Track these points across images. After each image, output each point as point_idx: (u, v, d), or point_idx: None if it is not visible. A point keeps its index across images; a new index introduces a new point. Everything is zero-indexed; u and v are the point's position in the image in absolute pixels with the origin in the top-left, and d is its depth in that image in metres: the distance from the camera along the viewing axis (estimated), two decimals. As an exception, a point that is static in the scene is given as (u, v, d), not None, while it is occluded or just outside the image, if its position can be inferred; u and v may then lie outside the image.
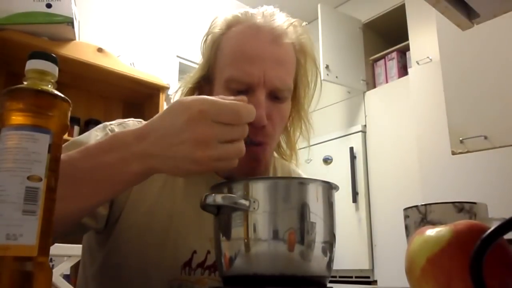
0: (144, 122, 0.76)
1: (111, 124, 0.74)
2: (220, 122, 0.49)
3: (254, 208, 0.50)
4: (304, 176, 0.91)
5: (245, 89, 0.67)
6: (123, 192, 0.57)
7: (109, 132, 0.71)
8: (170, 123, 0.50)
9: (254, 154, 0.68)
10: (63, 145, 0.51)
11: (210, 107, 0.49)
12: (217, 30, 0.74)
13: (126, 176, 0.51)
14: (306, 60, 0.76)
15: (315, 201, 0.52)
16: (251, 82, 0.67)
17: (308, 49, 0.75)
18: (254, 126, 0.65)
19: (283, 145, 0.84)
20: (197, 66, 0.78)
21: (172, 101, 0.79)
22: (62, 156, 0.40)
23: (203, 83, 0.75)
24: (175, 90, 0.80)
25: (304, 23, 0.76)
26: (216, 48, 0.72)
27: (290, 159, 0.84)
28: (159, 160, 0.50)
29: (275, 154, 0.85)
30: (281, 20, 0.72)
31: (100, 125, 0.74)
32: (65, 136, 0.45)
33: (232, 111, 0.50)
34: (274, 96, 0.69)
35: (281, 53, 0.70)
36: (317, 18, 3.01)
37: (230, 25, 0.72)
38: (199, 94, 0.76)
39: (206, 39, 0.76)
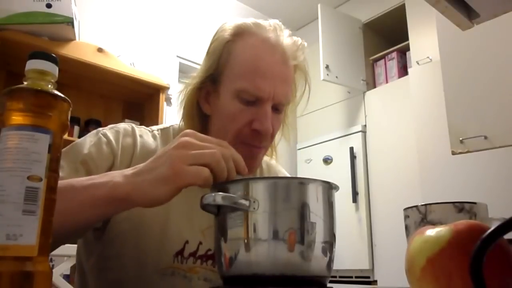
0: (134, 126, 0.81)
1: (103, 129, 0.78)
2: (203, 141, 0.55)
3: (254, 208, 0.50)
4: (289, 176, 1.01)
5: (253, 101, 0.74)
6: (107, 214, 0.61)
7: (102, 136, 0.75)
8: (160, 151, 0.56)
9: (253, 153, 0.77)
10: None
11: (198, 135, 0.56)
12: (227, 35, 0.77)
13: (113, 194, 0.53)
14: (296, 72, 0.83)
15: (315, 201, 0.52)
16: (262, 96, 0.74)
17: (302, 66, 0.83)
18: (262, 134, 0.75)
19: None
20: (200, 66, 0.81)
21: (178, 100, 0.83)
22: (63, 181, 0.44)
23: (208, 83, 0.78)
24: (180, 89, 0.83)
25: (305, 43, 0.82)
26: (227, 53, 0.76)
27: (271, 155, 0.92)
28: (143, 175, 0.53)
29: None
30: (289, 40, 0.78)
31: (93, 131, 0.78)
32: (65, 136, 0.45)
33: (217, 139, 0.56)
34: (275, 108, 0.77)
35: (288, 73, 0.77)
36: (317, 18, 3.01)
37: (242, 33, 0.77)
38: (202, 92, 0.80)
39: (215, 42, 0.79)
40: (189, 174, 0.51)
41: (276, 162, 0.95)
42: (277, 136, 0.88)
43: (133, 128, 0.80)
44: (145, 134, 0.80)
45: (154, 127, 0.85)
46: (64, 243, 0.65)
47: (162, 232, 0.72)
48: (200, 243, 0.74)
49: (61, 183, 0.41)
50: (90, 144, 0.73)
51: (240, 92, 0.74)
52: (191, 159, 0.52)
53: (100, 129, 0.78)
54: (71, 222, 0.53)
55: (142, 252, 0.71)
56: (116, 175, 0.55)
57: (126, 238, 0.71)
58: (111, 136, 0.75)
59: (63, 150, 0.69)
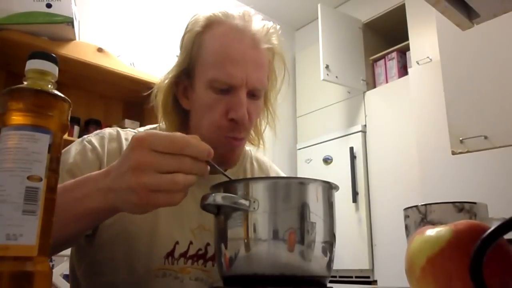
0: (119, 129, 0.81)
1: (88, 136, 0.78)
2: (156, 150, 0.48)
3: (254, 208, 0.50)
4: (281, 172, 0.99)
5: (227, 89, 0.73)
6: (92, 226, 0.62)
7: (86, 144, 0.75)
8: (122, 156, 0.51)
9: (233, 145, 0.75)
10: None
11: (148, 135, 0.49)
12: (198, 27, 0.77)
13: (89, 211, 0.53)
14: (274, 58, 0.81)
15: (315, 201, 0.52)
16: (234, 84, 0.72)
17: (278, 49, 0.81)
18: (239, 123, 0.72)
19: (252, 132, 0.88)
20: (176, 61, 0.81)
21: (153, 97, 0.83)
22: None
23: (183, 77, 0.78)
24: (155, 86, 0.83)
25: (277, 26, 0.81)
26: (198, 45, 0.76)
27: (258, 144, 0.90)
28: (117, 194, 0.50)
29: (250, 149, 0.92)
30: (259, 24, 0.77)
31: (79, 139, 0.77)
32: (65, 136, 0.45)
33: (168, 139, 0.49)
34: (252, 94, 0.75)
35: (260, 57, 0.76)
36: (317, 18, 3.01)
37: (211, 24, 0.76)
38: (179, 88, 0.80)
39: (187, 35, 0.79)
40: (160, 201, 0.49)
41: (263, 150, 0.93)
42: (263, 124, 0.87)
43: (118, 132, 0.80)
44: (131, 137, 0.80)
45: (141, 128, 0.85)
46: (57, 253, 0.65)
47: (151, 234, 0.72)
48: (191, 243, 0.74)
49: None
50: (75, 152, 0.73)
51: (212, 82, 0.72)
52: (154, 186, 0.48)
53: (85, 136, 0.78)
54: (56, 237, 0.52)
55: (132, 255, 0.71)
56: (91, 188, 0.52)
57: (116, 241, 0.71)
58: (96, 143, 0.75)
59: None
